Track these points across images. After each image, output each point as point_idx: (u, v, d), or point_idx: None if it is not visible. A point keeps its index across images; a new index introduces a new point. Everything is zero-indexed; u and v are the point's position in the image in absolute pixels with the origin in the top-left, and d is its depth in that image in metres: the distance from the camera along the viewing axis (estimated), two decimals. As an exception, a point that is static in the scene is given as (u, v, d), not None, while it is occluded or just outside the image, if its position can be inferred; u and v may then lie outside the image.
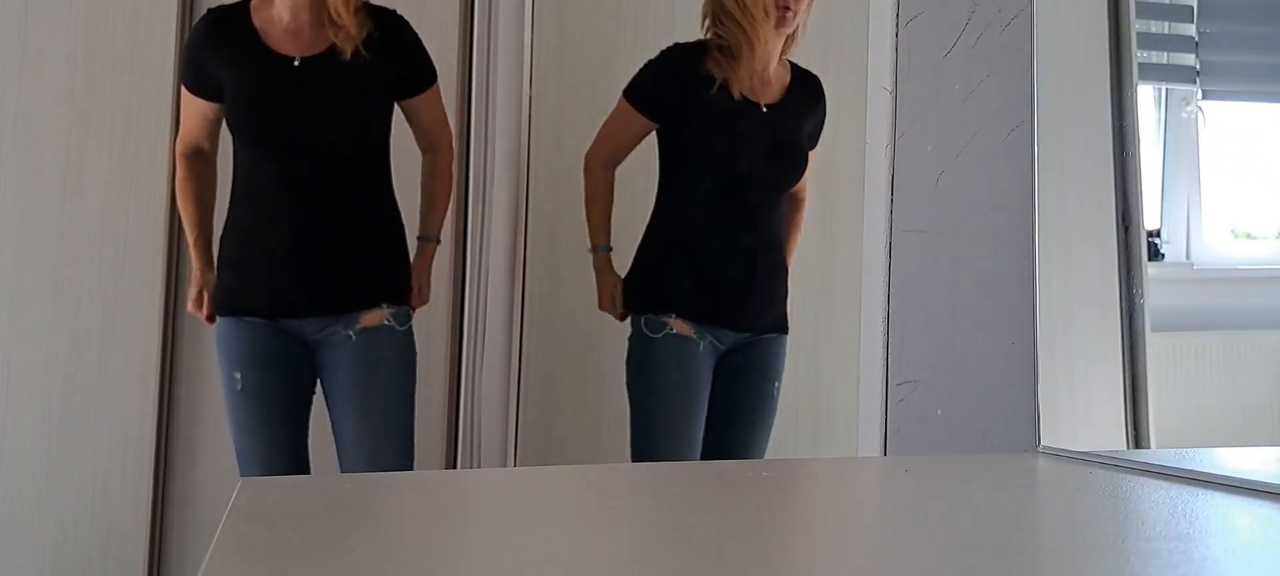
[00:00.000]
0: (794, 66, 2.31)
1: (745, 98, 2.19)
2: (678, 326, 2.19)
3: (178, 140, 2.13)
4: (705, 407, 2.23)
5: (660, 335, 2.19)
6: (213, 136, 2.12)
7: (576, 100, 2.49)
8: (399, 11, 2.10)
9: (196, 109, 2.07)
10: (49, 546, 2.43)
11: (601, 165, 2.27)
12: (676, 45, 2.25)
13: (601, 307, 2.29)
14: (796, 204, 2.36)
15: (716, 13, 2.21)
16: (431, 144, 2.16)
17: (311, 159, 1.99)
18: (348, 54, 1.96)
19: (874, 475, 1.06)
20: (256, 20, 1.99)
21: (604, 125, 2.28)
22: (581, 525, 0.77)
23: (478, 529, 0.76)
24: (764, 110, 2.22)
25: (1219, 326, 1.21)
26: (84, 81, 2.47)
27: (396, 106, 2.11)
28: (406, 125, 2.16)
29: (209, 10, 2.08)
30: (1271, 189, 1.23)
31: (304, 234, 1.99)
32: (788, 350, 2.35)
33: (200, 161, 2.11)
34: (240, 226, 2.04)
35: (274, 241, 1.99)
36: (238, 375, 2.00)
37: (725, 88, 2.17)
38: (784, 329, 2.32)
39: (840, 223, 2.79)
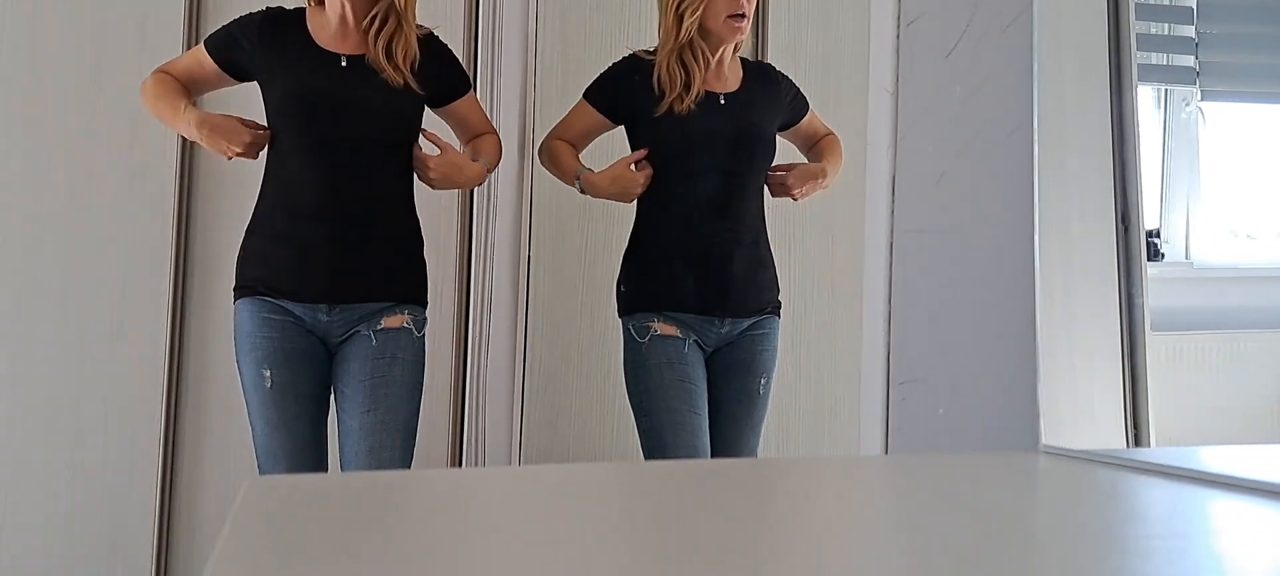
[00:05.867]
0: (743, 60, 2.36)
1: (702, 91, 2.25)
2: (662, 327, 2.23)
3: (164, 65, 2.15)
4: (704, 400, 2.24)
5: (646, 339, 2.23)
6: (194, 89, 2.15)
7: (580, 101, 2.49)
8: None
9: (201, 62, 2.13)
10: (56, 545, 2.44)
11: (552, 138, 2.34)
12: (633, 54, 2.31)
13: (630, 184, 2.25)
14: (830, 143, 2.42)
15: (671, 45, 2.25)
16: (480, 135, 2.26)
17: (351, 153, 2.06)
18: (400, 83, 2.08)
19: (875, 474, 1.06)
20: (310, 25, 2.12)
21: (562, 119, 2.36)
22: (585, 523, 0.77)
23: (483, 527, 0.77)
24: (722, 100, 2.27)
25: (1218, 326, 1.21)
26: (92, 81, 2.49)
27: (434, 116, 2.21)
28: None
29: (268, 7, 2.15)
30: (1271, 189, 1.23)
31: (338, 224, 2.04)
32: (786, 346, 2.36)
33: (174, 80, 2.14)
34: (272, 216, 2.08)
35: (308, 228, 2.04)
36: (267, 372, 2.05)
37: (685, 88, 2.23)
38: (772, 311, 2.33)
39: (842, 222, 2.80)
